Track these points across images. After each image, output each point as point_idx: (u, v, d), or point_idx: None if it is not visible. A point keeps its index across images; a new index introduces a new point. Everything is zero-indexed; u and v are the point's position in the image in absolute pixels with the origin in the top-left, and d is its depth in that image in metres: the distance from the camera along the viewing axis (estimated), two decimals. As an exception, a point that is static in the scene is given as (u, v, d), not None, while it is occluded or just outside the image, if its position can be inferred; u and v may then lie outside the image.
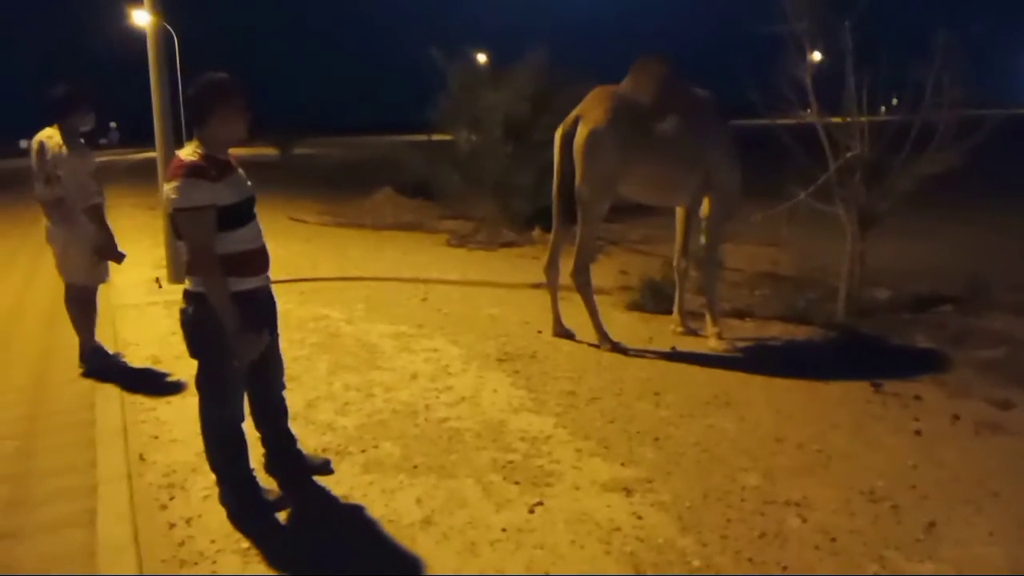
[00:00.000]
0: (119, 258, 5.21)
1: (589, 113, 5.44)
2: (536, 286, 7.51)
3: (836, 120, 6.73)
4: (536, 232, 11.11)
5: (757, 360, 5.42)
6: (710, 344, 5.73)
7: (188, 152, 3.06)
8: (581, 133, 5.40)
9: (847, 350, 5.64)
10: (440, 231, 11.99)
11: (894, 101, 7.28)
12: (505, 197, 11.62)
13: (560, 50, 11.94)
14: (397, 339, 5.87)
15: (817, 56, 6.89)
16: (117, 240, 5.25)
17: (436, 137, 14.08)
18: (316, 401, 4.60)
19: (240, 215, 3.12)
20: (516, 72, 11.60)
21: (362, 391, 4.76)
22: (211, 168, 3.01)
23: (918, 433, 4.14)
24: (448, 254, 10.19)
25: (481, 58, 13.98)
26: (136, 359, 5.50)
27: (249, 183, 3.26)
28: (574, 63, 12.00)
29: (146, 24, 8.22)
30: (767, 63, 7.50)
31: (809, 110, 6.73)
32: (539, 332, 6.02)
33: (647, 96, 5.56)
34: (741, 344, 5.78)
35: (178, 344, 5.59)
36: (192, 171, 2.98)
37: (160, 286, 7.83)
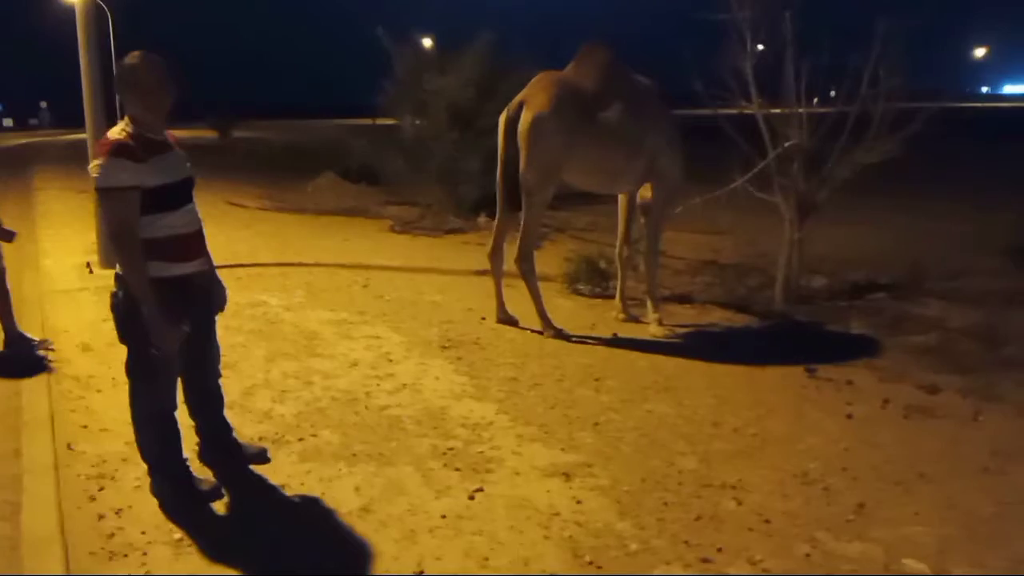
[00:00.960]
0: (7, 236, 5.01)
1: (533, 98, 5.41)
2: (480, 273, 7.47)
3: (776, 110, 6.84)
4: (481, 218, 11.06)
5: (697, 346, 5.49)
6: (651, 330, 5.78)
7: (117, 130, 2.96)
8: (525, 118, 5.38)
9: (784, 336, 5.77)
10: (384, 217, 11.85)
11: (832, 92, 7.42)
12: (451, 183, 11.55)
13: (506, 35, 11.88)
14: (337, 326, 5.79)
15: (759, 46, 6.99)
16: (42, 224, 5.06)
17: (381, 121, 13.91)
18: (253, 389, 4.50)
19: (171, 198, 3.01)
20: (462, 57, 11.50)
21: (300, 379, 4.67)
22: (138, 147, 2.90)
23: (850, 417, 4.24)
24: (392, 240, 10.08)
25: (427, 42, 13.83)
26: (66, 346, 5.30)
27: (188, 164, 3.15)
28: (520, 49, 11.95)
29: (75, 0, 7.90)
30: (711, 52, 7.60)
31: (750, 100, 6.82)
32: (483, 319, 6.00)
33: (591, 82, 5.56)
34: (681, 330, 5.85)
35: (110, 331, 5.36)
36: (117, 150, 2.87)
37: (91, 271, 7.57)
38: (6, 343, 5.10)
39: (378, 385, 4.57)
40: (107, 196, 2.87)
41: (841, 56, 6.75)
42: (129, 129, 2.95)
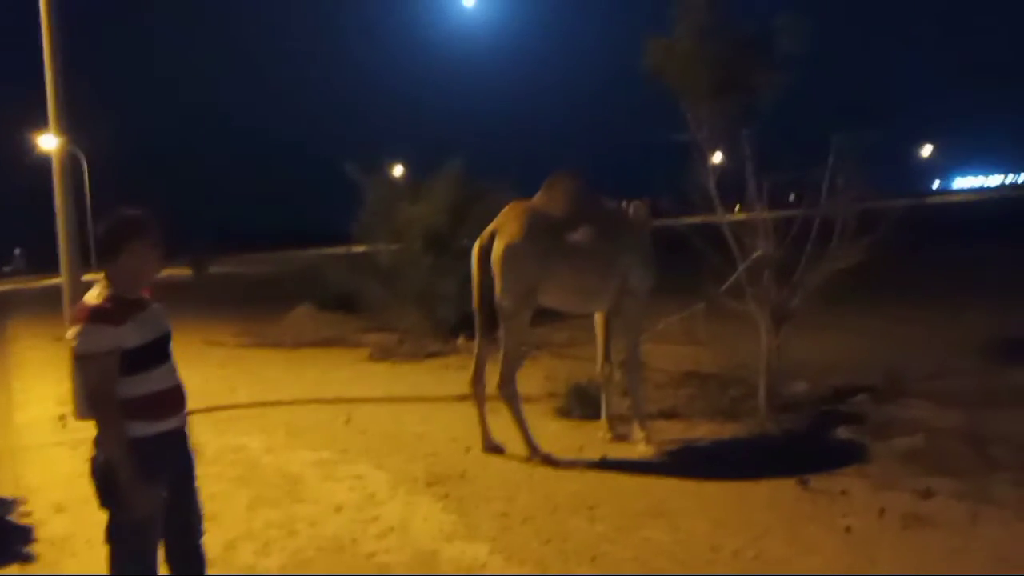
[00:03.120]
0: None
1: (505, 228, 5.54)
2: (462, 398, 7.40)
3: (741, 217, 7.03)
4: (460, 340, 11.06)
5: (686, 464, 5.42)
6: (639, 450, 5.72)
7: (93, 295, 2.95)
8: (498, 247, 5.49)
9: (772, 447, 5.71)
10: (362, 345, 11.81)
11: (791, 197, 7.66)
12: (428, 307, 11.61)
13: (476, 160, 12.26)
14: (320, 467, 5.66)
15: (718, 159, 7.25)
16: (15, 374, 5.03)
17: (355, 249, 14.07)
18: (235, 542, 4.34)
19: (151, 356, 2.98)
20: (434, 184, 11.81)
21: (284, 527, 4.53)
22: (116, 310, 2.90)
23: (848, 530, 4.16)
24: (371, 369, 10.01)
25: (398, 170, 14.19)
26: (39, 506, 5.12)
27: (165, 319, 3.13)
28: (489, 173, 12.30)
29: (51, 148, 8.08)
30: (678, 167, 7.87)
31: (715, 212, 7.02)
32: (468, 449, 5.90)
33: (560, 209, 5.71)
34: (669, 448, 5.79)
35: (85, 488, 5.23)
36: (94, 315, 2.86)
37: (64, 424, 7.41)
38: None
39: (365, 530, 4.43)
40: (86, 362, 2.84)
41: (801, 168, 7.01)
42: (107, 291, 2.94)
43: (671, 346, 9.19)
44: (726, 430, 6.20)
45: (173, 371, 3.11)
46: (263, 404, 7.92)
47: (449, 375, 9.12)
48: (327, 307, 14.93)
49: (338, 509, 4.80)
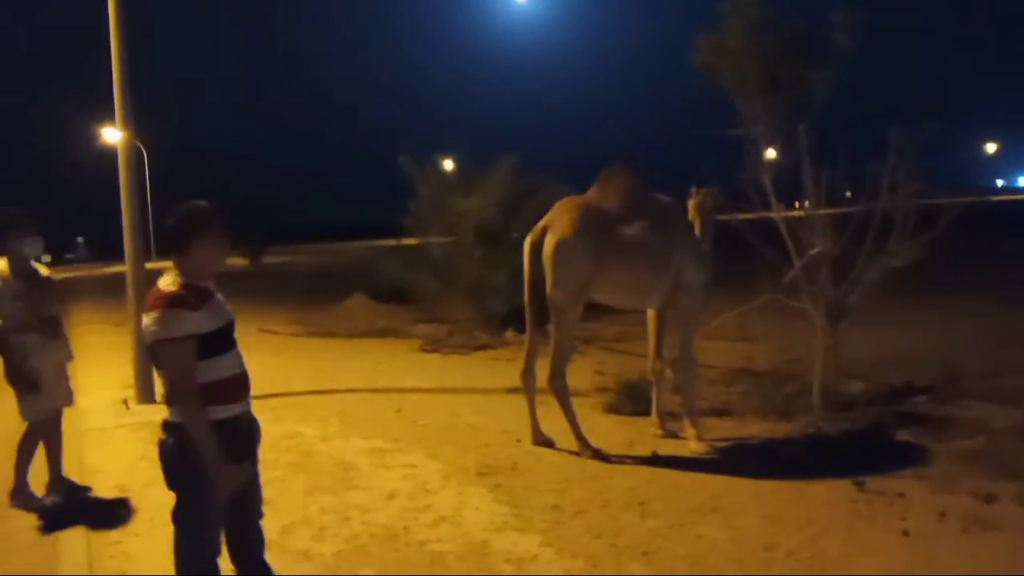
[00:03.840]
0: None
1: (556, 222, 5.55)
2: (513, 391, 7.43)
3: (798, 214, 6.92)
4: (509, 333, 11.12)
5: (739, 461, 5.37)
6: (691, 447, 5.68)
7: (168, 282, 3.04)
8: (549, 242, 5.50)
9: (827, 447, 5.62)
10: (414, 336, 11.94)
11: (848, 194, 7.52)
12: (478, 299, 11.69)
13: (528, 155, 12.30)
14: (373, 455, 5.75)
15: (773, 155, 7.15)
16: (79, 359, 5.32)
17: (406, 241, 14.22)
18: (291, 527, 4.44)
19: (221, 342, 3.08)
20: (486, 178, 11.86)
21: (339, 514, 4.61)
22: (191, 296, 2.99)
23: (906, 533, 4.09)
24: (422, 360, 10.12)
25: (448, 164, 14.30)
26: (103, 487, 5.30)
27: (228, 307, 3.23)
28: (541, 168, 12.32)
29: (116, 140, 8.33)
30: (730, 162, 7.78)
31: (771, 208, 6.92)
32: (518, 441, 5.94)
33: (613, 204, 5.70)
34: (722, 445, 5.75)
35: (147, 470, 5.46)
36: (173, 301, 2.95)
37: (128, 407, 7.65)
38: (49, 486, 5.11)
39: (417, 518, 4.49)
40: (167, 347, 2.93)
41: (859, 162, 6.87)
42: (180, 279, 3.04)
43: (724, 342, 9.10)
44: (780, 428, 6.12)
45: (240, 357, 3.20)
46: (317, 392, 8.07)
47: (499, 367, 9.16)
48: (379, 298, 15.14)
49: (391, 497, 4.87)
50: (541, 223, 5.68)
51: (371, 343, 11.67)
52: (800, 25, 7.41)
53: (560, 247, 5.45)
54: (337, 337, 12.28)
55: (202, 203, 3.16)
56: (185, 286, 3.02)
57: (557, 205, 5.75)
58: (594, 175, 6.10)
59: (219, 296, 3.21)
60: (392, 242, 15.45)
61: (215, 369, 3.04)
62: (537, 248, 5.59)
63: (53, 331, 5.02)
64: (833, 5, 6.79)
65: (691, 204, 6.33)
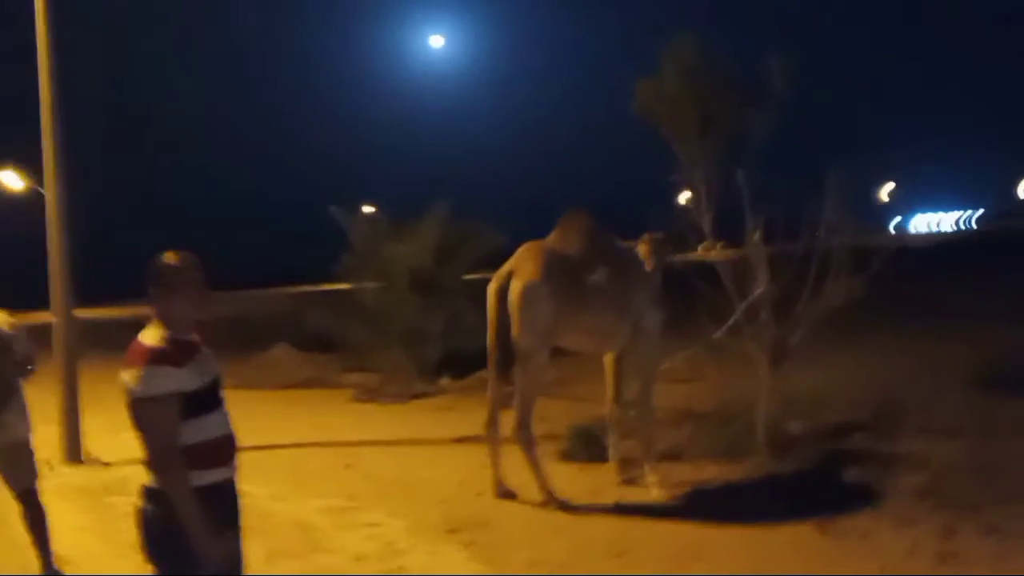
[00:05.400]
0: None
1: (522, 268, 5.53)
2: (459, 440, 7.34)
3: (738, 254, 7.10)
4: (445, 380, 10.97)
5: (702, 506, 5.39)
6: (653, 493, 5.66)
7: (150, 336, 2.83)
8: (515, 288, 5.47)
9: (781, 488, 5.69)
10: (344, 385, 11.60)
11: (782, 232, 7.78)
12: (411, 346, 11.47)
13: (461, 201, 12.27)
14: (331, 515, 5.51)
15: (709, 197, 7.34)
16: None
17: (328, 287, 13.91)
18: (261, 596, 4.17)
19: (207, 400, 2.88)
20: (418, 224, 11.75)
21: (307, 581, 4.38)
22: (175, 352, 2.79)
23: (883, 569, 4.16)
24: (358, 411, 9.85)
25: (375, 211, 14.17)
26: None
27: (214, 362, 3.03)
28: (474, 214, 12.31)
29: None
30: (671, 205, 7.96)
31: (709, 249, 7.09)
32: (479, 494, 5.79)
33: (575, 248, 5.72)
34: (681, 490, 5.74)
35: (89, 541, 5.07)
36: (155, 357, 2.75)
37: (51, 469, 7.10)
38: None
39: (394, 581, 4.30)
40: (148, 406, 2.71)
41: (794, 203, 7.12)
42: (163, 333, 2.84)
43: (667, 384, 9.18)
44: (732, 471, 6.16)
45: (226, 417, 3.01)
46: (258, 448, 7.67)
47: (440, 416, 9.01)
48: (303, 347, 14.70)
49: (359, 560, 4.65)
50: (505, 268, 5.64)
51: (301, 394, 11.29)
52: (735, 68, 7.72)
53: (527, 292, 5.41)
54: (264, 389, 11.81)
55: (180, 253, 2.98)
56: (169, 340, 2.83)
57: (521, 250, 5.73)
58: (532, 220, 6.14)
59: (205, 350, 3.02)
60: (313, 288, 15.13)
61: (200, 430, 2.84)
62: (502, 293, 5.54)
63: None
64: (766, 48, 7.08)
65: (643, 249, 6.41)
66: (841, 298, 6.65)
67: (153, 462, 2.78)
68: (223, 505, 2.93)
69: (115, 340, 4.49)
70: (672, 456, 6.61)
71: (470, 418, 7.45)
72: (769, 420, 6.62)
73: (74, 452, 7.25)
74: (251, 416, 9.51)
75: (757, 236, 6.82)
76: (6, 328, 4.54)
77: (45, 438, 7.91)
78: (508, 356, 5.56)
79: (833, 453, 6.38)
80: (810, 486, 5.73)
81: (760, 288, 6.71)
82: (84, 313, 9.63)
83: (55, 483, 6.63)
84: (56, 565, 4.60)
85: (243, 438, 8.29)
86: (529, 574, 4.34)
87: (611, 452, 6.16)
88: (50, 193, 7.64)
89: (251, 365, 14.16)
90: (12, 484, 4.57)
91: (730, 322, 6.75)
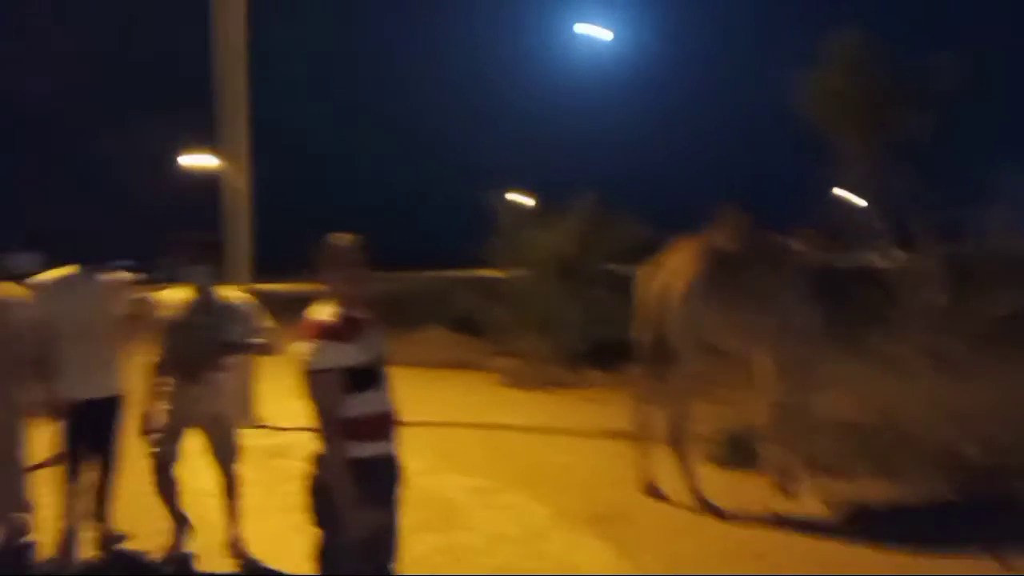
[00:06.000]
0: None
1: (680, 264, 5.43)
2: (604, 433, 7.31)
3: (901, 258, 6.70)
4: (591, 371, 10.95)
5: (859, 523, 5.10)
6: (805, 505, 5.43)
7: (323, 312, 3.02)
8: (674, 284, 5.38)
9: (951, 514, 5.30)
10: (492, 369, 11.85)
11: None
12: (553, 334, 11.54)
13: (609, 192, 12.23)
14: (475, 493, 5.66)
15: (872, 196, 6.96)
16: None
17: (480, 272, 14.22)
18: (404, 566, 4.34)
19: (369, 377, 3.03)
20: (566, 214, 11.81)
21: (449, 555, 4.53)
22: (344, 328, 2.96)
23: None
24: (505, 395, 10.03)
25: (527, 199, 14.36)
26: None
27: (382, 340, 3.18)
28: (621, 205, 12.22)
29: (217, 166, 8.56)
30: (828, 203, 7.60)
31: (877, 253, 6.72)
32: (622, 488, 5.76)
33: (732, 246, 5.56)
34: (837, 504, 5.47)
35: (256, 496, 5.43)
36: (324, 332, 2.93)
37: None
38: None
39: (532, 565, 4.37)
40: (315, 378, 2.90)
41: (962, 207, 6.66)
42: (335, 310, 3.01)
43: (822, 391, 8.77)
44: (896, 488, 5.80)
45: (386, 394, 3.15)
46: (408, 424, 7.98)
47: (584, 407, 9.02)
48: (455, 329, 15.13)
49: (500, 539, 4.75)
50: (660, 263, 5.57)
51: (450, 375, 11.64)
52: (900, 65, 7.29)
53: (686, 290, 5.32)
54: (416, 367, 12.26)
55: (346, 234, 3.14)
56: (339, 317, 2.99)
57: (678, 245, 5.63)
58: (680, 213, 6.01)
59: (374, 328, 3.16)
60: (464, 272, 15.48)
61: (362, 404, 2.99)
62: (656, 290, 5.47)
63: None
64: (934, 47, 6.70)
65: (797, 247, 6.13)
66: (1008, 307, 6.12)
67: (318, 429, 2.96)
68: (380, 478, 3.08)
69: (288, 312, 4.75)
70: (828, 468, 6.31)
71: (614, 410, 7.43)
72: (935, 435, 6.19)
73: (248, 416, 7.82)
74: (403, 393, 9.91)
75: (928, 239, 6.41)
76: (232, 302, 4.43)
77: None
78: (659, 352, 5.49)
79: (1009, 476, 5.88)
80: (983, 514, 5.29)
81: (929, 294, 6.30)
82: (262, 287, 10.35)
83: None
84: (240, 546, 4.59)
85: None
86: (666, 573, 4.26)
87: (762, 460, 5.95)
88: (234, 176, 8.25)
89: (405, 343, 14.74)
90: (216, 458, 4.54)
91: (894, 329, 6.36)
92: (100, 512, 4.52)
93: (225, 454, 4.52)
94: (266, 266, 10.44)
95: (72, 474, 4.33)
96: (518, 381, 10.83)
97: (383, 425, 3.10)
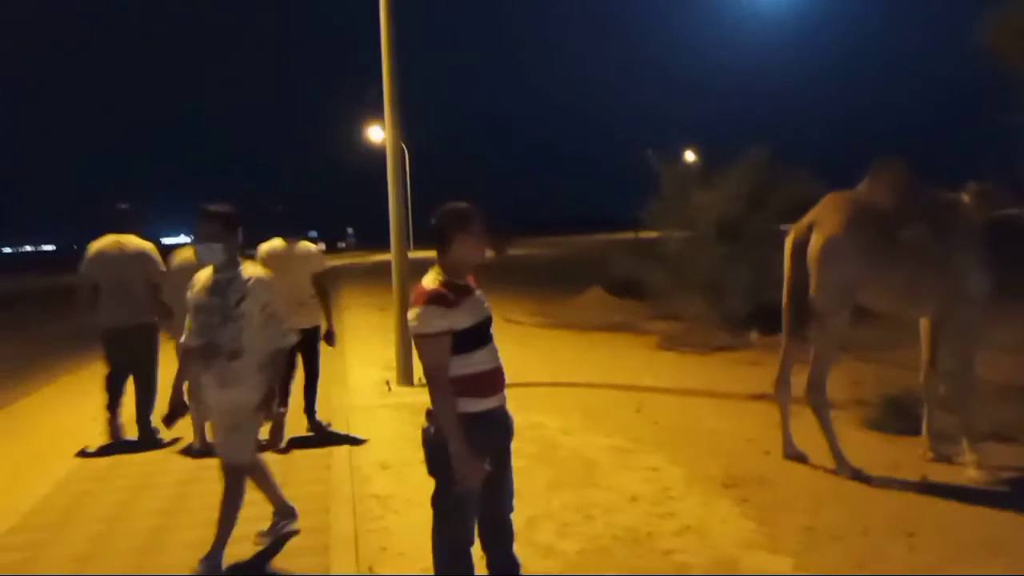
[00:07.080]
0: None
1: (825, 220, 5.17)
2: (756, 397, 7.12)
3: None
4: (753, 335, 10.60)
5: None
6: (967, 474, 5.07)
7: (430, 280, 3.20)
8: (816, 242, 5.14)
9: None
10: (650, 332, 11.78)
11: None
12: (719, 297, 11.26)
13: (777, 147, 11.58)
14: (614, 454, 5.73)
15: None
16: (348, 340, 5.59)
17: (643, 235, 14.04)
18: (535, 520, 4.52)
19: (477, 337, 3.20)
20: (730, 171, 11.36)
21: (581, 511, 4.63)
22: (450, 294, 3.13)
23: None
24: (659, 358, 9.96)
25: (691, 156, 13.91)
26: (366, 463, 5.72)
27: (486, 304, 3.33)
28: (790, 160, 11.58)
29: (382, 140, 8.98)
30: (1013, 154, 6.93)
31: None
32: (766, 453, 5.63)
33: (886, 200, 5.20)
34: (1006, 475, 5.06)
35: (406, 449, 5.83)
36: (432, 298, 3.11)
37: (389, 388, 8.24)
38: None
39: (660, 525, 4.39)
40: (424, 341, 3.10)
41: None
42: (441, 277, 3.19)
43: (1002, 356, 8.04)
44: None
45: (495, 353, 3.30)
46: (558, 384, 8.20)
47: (740, 371, 8.79)
48: (615, 292, 15.13)
49: (633, 499, 4.81)
50: (806, 220, 5.32)
51: (608, 337, 11.69)
52: None
53: (828, 247, 5.07)
54: (575, 329, 12.43)
55: (462, 203, 3.28)
56: (445, 284, 3.17)
57: (824, 200, 5.35)
58: (849, 167, 5.66)
59: (478, 293, 3.32)
60: (628, 235, 15.37)
61: (469, 363, 3.17)
62: (801, 247, 5.24)
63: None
64: None
65: (969, 202, 5.62)
66: None
67: (430, 388, 3.17)
68: (491, 432, 3.26)
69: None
70: (1002, 437, 5.83)
71: (771, 374, 7.18)
72: None
73: (407, 375, 8.33)
74: (556, 354, 10.18)
75: None
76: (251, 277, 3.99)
77: (387, 361, 9.22)
78: (804, 313, 5.28)
79: None
80: None
81: None
82: (416, 254, 10.90)
83: (392, 400, 7.72)
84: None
85: (545, 374, 8.96)
86: (798, 541, 4.14)
87: (924, 425, 5.59)
88: (391, 153, 8.68)
89: (566, 305, 14.97)
90: (219, 453, 4.09)
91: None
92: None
93: (226, 450, 4.05)
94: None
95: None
96: (676, 345, 10.71)
97: (493, 382, 3.26)
